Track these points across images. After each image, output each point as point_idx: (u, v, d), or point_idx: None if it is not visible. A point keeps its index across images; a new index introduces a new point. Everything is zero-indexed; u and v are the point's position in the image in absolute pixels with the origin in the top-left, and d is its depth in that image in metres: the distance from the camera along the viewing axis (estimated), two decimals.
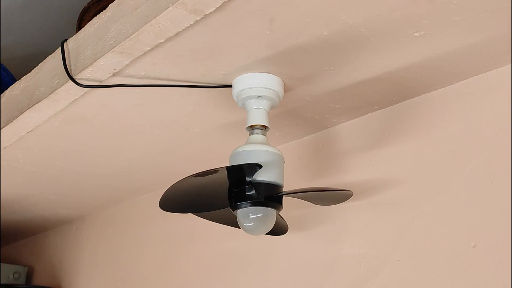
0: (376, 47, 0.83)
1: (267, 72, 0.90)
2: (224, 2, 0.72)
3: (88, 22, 0.94)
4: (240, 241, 1.21)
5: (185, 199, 0.92)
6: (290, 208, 0.98)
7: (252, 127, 0.91)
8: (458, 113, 0.93)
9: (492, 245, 0.83)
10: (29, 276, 1.90)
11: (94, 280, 1.64)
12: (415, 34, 0.80)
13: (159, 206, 0.91)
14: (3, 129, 1.11)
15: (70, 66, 0.93)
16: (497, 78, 0.89)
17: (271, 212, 0.89)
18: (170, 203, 0.92)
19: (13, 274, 1.82)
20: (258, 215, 0.88)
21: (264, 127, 0.91)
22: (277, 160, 0.89)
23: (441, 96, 0.96)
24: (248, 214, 0.88)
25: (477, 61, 0.88)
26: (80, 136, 1.15)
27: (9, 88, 1.14)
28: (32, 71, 1.07)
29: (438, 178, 0.92)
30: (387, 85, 0.95)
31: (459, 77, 0.92)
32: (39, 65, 1.05)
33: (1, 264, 1.82)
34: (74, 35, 0.96)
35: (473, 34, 0.80)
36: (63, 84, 0.94)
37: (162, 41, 0.81)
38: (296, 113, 1.05)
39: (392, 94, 0.98)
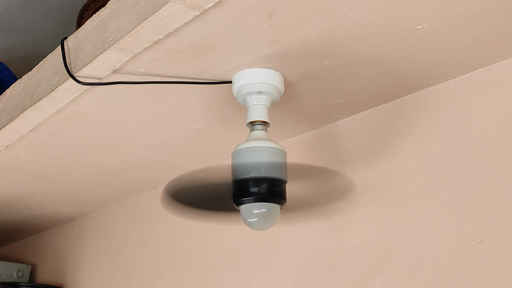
0: (377, 40, 0.83)
1: (267, 68, 0.90)
2: None
3: (87, 19, 0.94)
4: (243, 237, 1.21)
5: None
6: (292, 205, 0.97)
7: (252, 123, 0.90)
8: (462, 107, 0.92)
9: (498, 240, 0.82)
10: (33, 274, 1.90)
11: (97, 277, 1.64)
12: (417, 26, 0.79)
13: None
14: (5, 127, 1.10)
15: (70, 64, 0.93)
16: (501, 70, 0.88)
17: (275, 207, 0.88)
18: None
19: (17, 272, 1.83)
20: (262, 211, 0.87)
21: (264, 123, 0.90)
22: (280, 155, 0.88)
23: (444, 89, 0.95)
24: (251, 209, 0.88)
25: (481, 53, 0.87)
26: (81, 133, 1.15)
27: (10, 87, 1.14)
28: (33, 69, 1.07)
29: (442, 173, 0.91)
30: (389, 79, 0.94)
31: (462, 70, 0.91)
32: (40, 63, 1.05)
33: (5, 262, 1.83)
34: (74, 33, 0.96)
35: (476, 25, 0.79)
36: (64, 82, 0.94)
37: (161, 37, 0.80)
38: (297, 108, 1.05)
39: (394, 88, 0.97)
